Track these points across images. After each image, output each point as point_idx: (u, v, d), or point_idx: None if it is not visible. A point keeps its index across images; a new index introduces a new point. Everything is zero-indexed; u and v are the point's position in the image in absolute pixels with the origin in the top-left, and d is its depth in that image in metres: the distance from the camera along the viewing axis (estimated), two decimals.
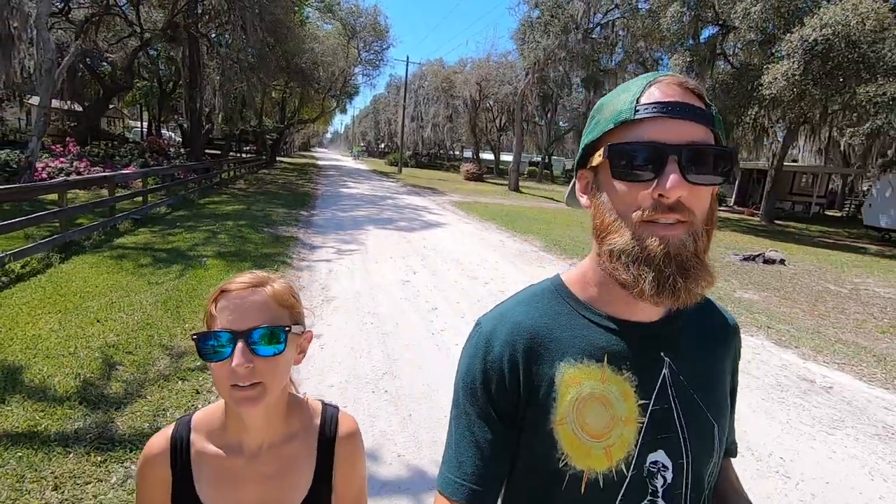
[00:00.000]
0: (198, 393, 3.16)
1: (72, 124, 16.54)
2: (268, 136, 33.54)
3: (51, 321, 3.99)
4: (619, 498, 0.64)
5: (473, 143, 41.51)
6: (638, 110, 0.60)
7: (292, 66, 20.78)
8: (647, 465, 0.64)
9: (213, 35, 19.02)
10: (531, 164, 44.95)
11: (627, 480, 0.63)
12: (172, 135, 35.63)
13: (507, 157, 40.61)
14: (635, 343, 0.67)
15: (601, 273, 0.67)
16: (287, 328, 0.77)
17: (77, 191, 10.71)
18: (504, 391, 0.66)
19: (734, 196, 25.11)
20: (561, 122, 42.68)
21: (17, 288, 4.74)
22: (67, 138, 14.29)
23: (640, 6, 20.23)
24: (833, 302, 7.03)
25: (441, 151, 55.85)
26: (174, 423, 0.85)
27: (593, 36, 22.67)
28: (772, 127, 19.21)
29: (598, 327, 0.67)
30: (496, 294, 5.95)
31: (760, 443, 3.08)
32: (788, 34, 13.63)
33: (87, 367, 3.28)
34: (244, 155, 32.84)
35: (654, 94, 0.60)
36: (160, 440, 0.82)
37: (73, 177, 11.06)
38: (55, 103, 16.36)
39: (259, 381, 0.74)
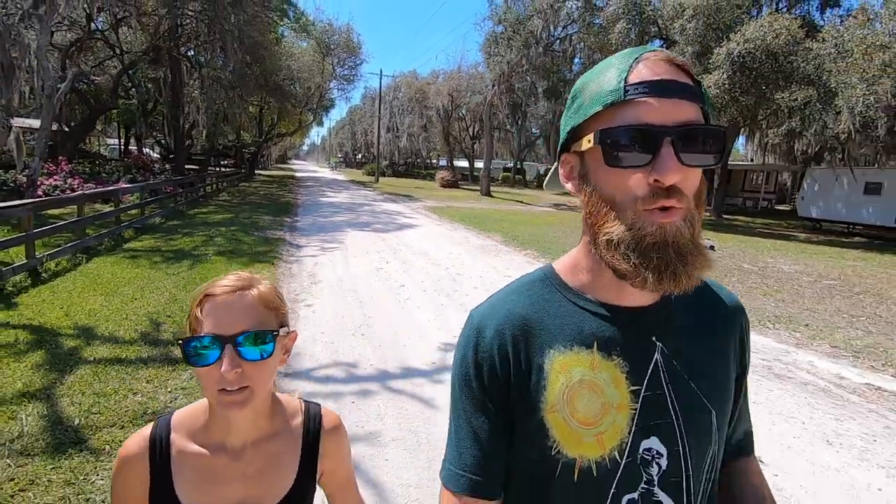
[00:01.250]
0: None
1: (57, 144, 17.34)
2: (245, 150, 34.45)
3: (98, 301, 5.10)
4: (614, 486, 0.63)
5: (447, 151, 42.95)
6: (628, 91, 0.58)
7: (270, 83, 21.91)
8: (641, 452, 0.63)
9: (193, 55, 20.04)
10: (505, 169, 46.65)
11: (621, 468, 0.63)
12: (150, 151, 36.19)
13: (481, 164, 42.22)
14: (626, 328, 0.66)
15: (592, 259, 0.67)
16: (275, 332, 0.77)
17: (73, 206, 11.63)
18: (496, 380, 0.66)
19: None
20: (532, 130, 44.59)
21: (59, 280, 5.81)
22: (59, 157, 15.11)
23: (594, 22, 21.95)
24: (738, 276, 8.49)
25: (418, 160, 57.26)
26: (152, 423, 0.84)
27: (553, 48, 24.34)
28: None
29: (588, 313, 0.67)
30: (454, 276, 7.22)
31: None
32: (718, 48, 15.38)
33: (141, 325, 4.44)
34: (223, 169, 33.63)
35: (642, 73, 0.58)
36: (138, 440, 0.81)
37: (78, 192, 11.96)
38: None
39: (247, 385, 0.75)
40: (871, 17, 13.26)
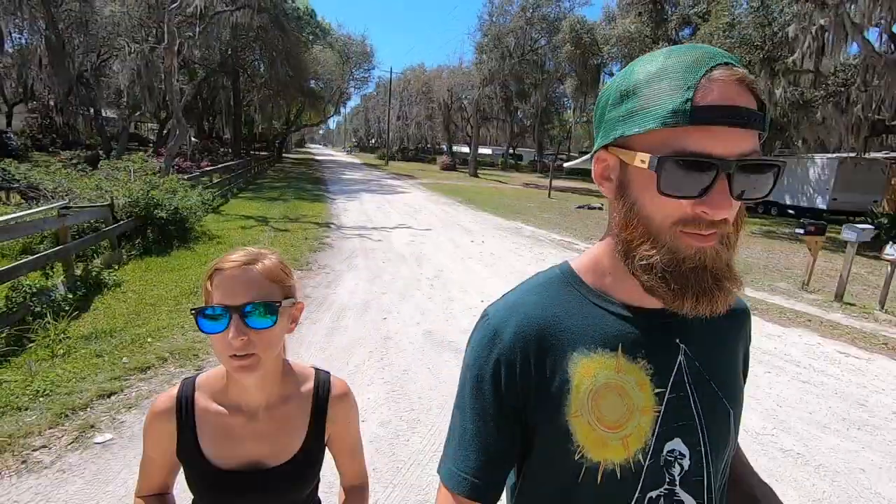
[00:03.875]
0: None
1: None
2: (276, 138, 41.14)
3: (256, 207, 11.73)
4: (638, 488, 0.63)
5: (447, 139, 49.17)
6: (695, 114, 0.54)
7: (304, 88, 28.47)
8: (665, 453, 0.64)
9: (248, 68, 26.66)
10: (503, 155, 52.77)
11: (644, 469, 0.63)
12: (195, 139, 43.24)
13: (482, 150, 48.45)
14: (649, 330, 0.66)
15: (615, 262, 0.66)
16: (278, 303, 0.84)
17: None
18: (514, 384, 0.65)
19: None
20: (524, 120, 50.51)
21: (225, 207, 12.45)
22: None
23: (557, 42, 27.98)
24: (594, 220, 14.88)
25: (427, 146, 63.49)
26: (179, 383, 0.94)
27: (526, 58, 30.40)
28: None
29: (610, 315, 0.66)
30: (417, 210, 13.81)
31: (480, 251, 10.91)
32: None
33: (281, 213, 11.07)
34: (258, 153, 40.44)
35: (712, 93, 0.54)
36: (166, 398, 0.92)
37: (209, 167, 18.74)
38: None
39: (253, 353, 0.82)
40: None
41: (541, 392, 0.65)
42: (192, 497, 0.94)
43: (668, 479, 0.64)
